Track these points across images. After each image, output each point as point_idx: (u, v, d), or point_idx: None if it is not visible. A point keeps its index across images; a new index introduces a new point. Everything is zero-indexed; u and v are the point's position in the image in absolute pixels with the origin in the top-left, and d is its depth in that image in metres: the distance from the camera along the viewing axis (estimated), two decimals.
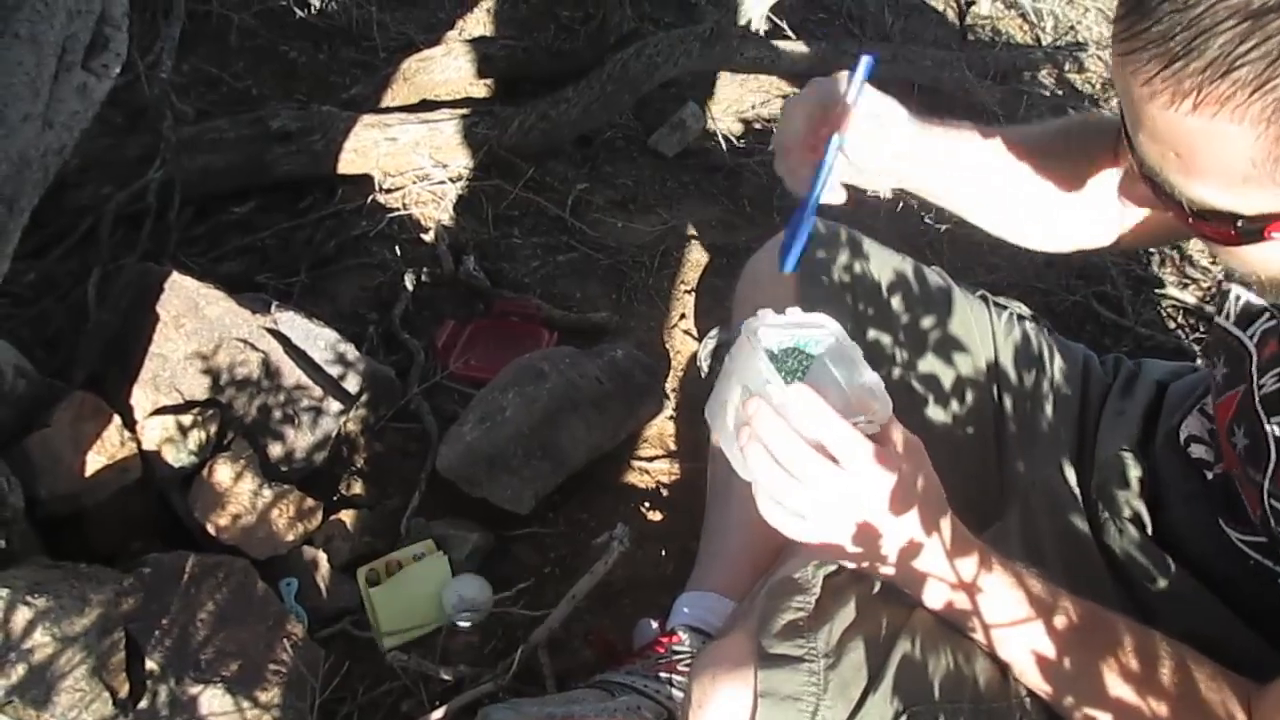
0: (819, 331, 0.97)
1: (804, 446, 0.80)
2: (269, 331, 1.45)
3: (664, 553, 1.47)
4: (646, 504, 1.55)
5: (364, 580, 1.36)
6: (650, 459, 1.61)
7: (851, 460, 0.81)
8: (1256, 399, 0.90)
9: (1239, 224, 0.64)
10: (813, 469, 0.81)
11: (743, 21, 2.31)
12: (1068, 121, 1.25)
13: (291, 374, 1.44)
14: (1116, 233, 1.17)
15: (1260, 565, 0.98)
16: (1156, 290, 2.07)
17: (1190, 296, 2.06)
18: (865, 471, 0.81)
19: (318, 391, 1.45)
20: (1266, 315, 0.92)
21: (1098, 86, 2.60)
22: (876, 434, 0.87)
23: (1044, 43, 2.73)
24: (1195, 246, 2.17)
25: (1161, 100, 0.60)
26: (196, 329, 1.42)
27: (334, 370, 1.50)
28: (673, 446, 1.64)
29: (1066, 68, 2.62)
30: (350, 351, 1.51)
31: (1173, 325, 2.02)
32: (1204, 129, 0.59)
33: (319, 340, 1.50)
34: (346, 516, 1.45)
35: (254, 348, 1.42)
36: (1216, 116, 0.58)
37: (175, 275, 1.44)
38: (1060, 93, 2.57)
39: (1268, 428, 0.89)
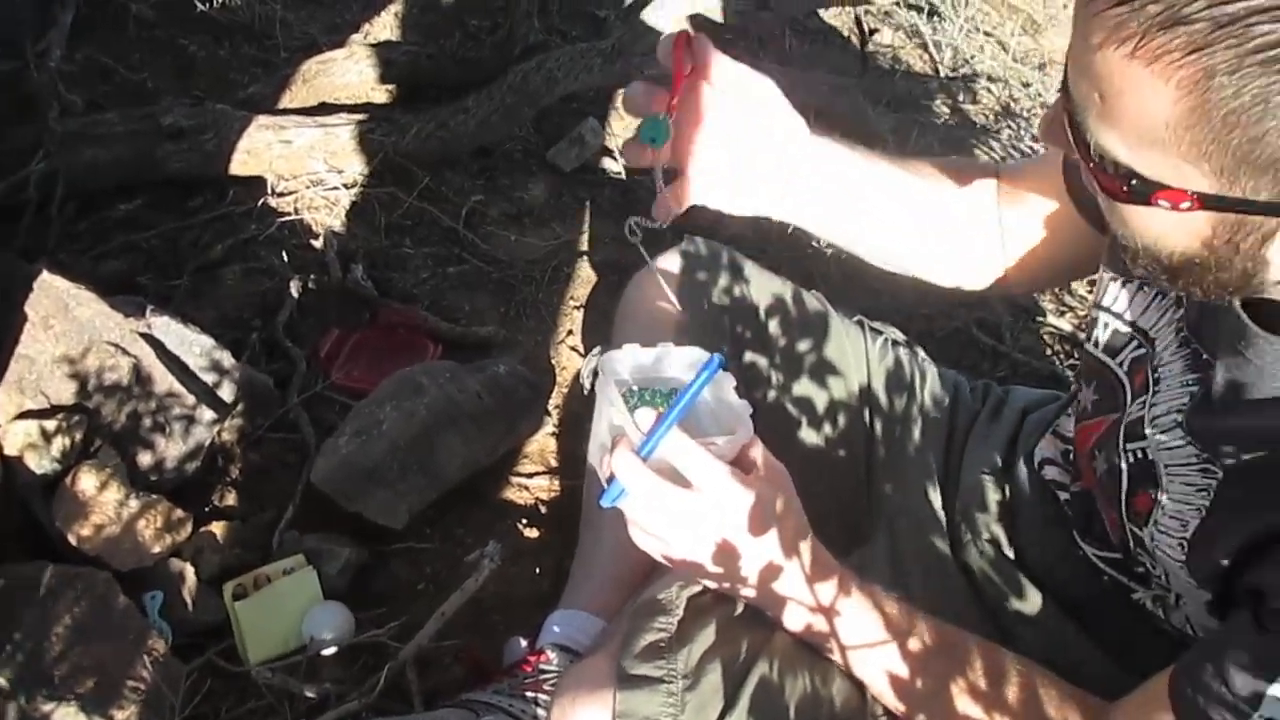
0: (684, 359, 0.99)
1: (650, 476, 0.83)
2: (142, 336, 1.43)
3: (538, 570, 1.49)
4: (524, 520, 1.56)
5: (230, 595, 1.35)
6: (530, 475, 1.62)
7: (706, 482, 0.84)
8: (1122, 426, 0.94)
9: (1133, 182, 0.65)
10: (668, 496, 0.84)
11: (645, 39, 2.33)
12: (951, 159, 1.29)
13: (164, 381, 1.42)
14: (993, 275, 1.21)
15: (1115, 580, 1.03)
16: (1035, 318, 2.15)
17: (1066, 324, 2.14)
18: (721, 493, 0.84)
19: (190, 400, 1.43)
20: (1134, 344, 0.97)
21: (990, 118, 2.68)
22: (738, 456, 0.91)
23: (941, 73, 2.80)
24: None
25: (1104, 34, 0.60)
26: (66, 331, 1.39)
27: (209, 378, 1.48)
28: (553, 463, 1.65)
29: (961, 98, 2.70)
30: (226, 359, 1.50)
31: (1049, 352, 2.09)
32: (1133, 77, 0.59)
33: (194, 347, 1.48)
34: (217, 528, 1.43)
35: (125, 352, 1.40)
36: (1148, 68, 0.58)
37: (45, 274, 1.40)
38: (953, 122, 2.64)
39: (1120, 455, 0.94)
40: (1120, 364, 0.98)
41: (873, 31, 2.90)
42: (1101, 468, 0.97)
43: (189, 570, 1.36)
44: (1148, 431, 0.89)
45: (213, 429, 1.46)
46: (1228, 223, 0.64)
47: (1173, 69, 0.57)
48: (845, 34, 2.89)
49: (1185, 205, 0.63)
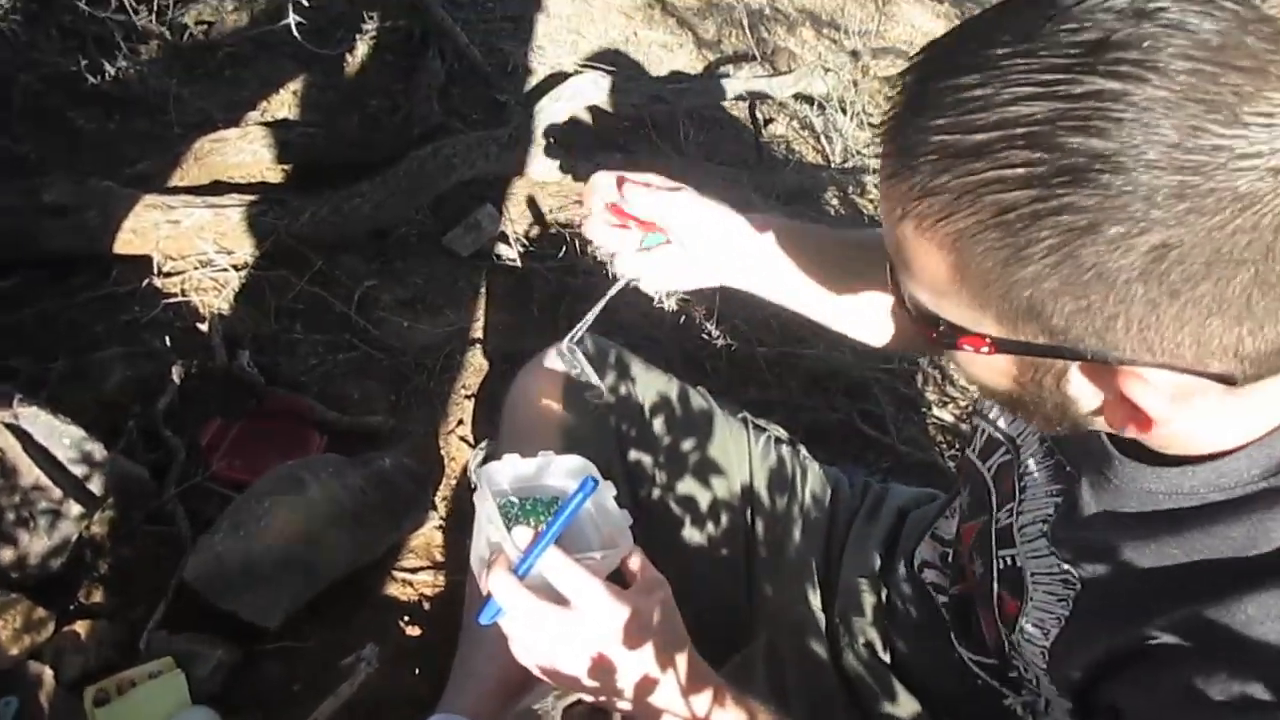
0: (565, 468, 1.01)
1: (527, 596, 0.84)
2: (7, 427, 1.38)
3: (418, 671, 1.46)
4: (406, 618, 1.53)
5: (91, 700, 1.29)
6: (414, 570, 1.60)
7: (582, 600, 0.85)
8: (992, 531, 0.98)
9: (940, 328, 0.67)
10: (545, 614, 0.84)
11: (543, 128, 2.36)
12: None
13: (29, 473, 1.37)
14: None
15: (988, 685, 1.06)
16: (919, 410, 2.21)
17: (949, 415, 2.21)
18: (597, 610, 0.84)
19: (57, 493, 1.38)
20: (1002, 450, 1.01)
21: (878, 209, 2.77)
22: (617, 568, 0.92)
23: (832, 164, 2.90)
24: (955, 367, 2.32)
25: (886, 206, 0.65)
26: None
27: (79, 470, 1.44)
28: (438, 557, 1.63)
29: (850, 190, 2.79)
30: (98, 450, 1.45)
31: (932, 443, 2.15)
32: (911, 240, 0.63)
33: (64, 438, 1.43)
34: (82, 628, 1.38)
35: None
36: (916, 231, 0.62)
37: None
38: (844, 213, 2.72)
39: (993, 560, 0.97)
40: (989, 469, 1.03)
41: (767, 122, 3.00)
42: (979, 570, 1.01)
43: (48, 674, 1.30)
44: (1017, 539, 0.93)
45: (80, 523, 1.42)
46: (1025, 364, 0.67)
47: (933, 232, 0.61)
48: (741, 124, 2.97)
49: (985, 350, 0.65)
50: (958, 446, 2.16)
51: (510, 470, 0.99)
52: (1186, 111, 0.52)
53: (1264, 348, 0.58)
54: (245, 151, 2.22)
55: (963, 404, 2.26)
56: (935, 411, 2.21)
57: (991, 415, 1.05)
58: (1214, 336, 0.57)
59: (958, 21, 3.53)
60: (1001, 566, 0.96)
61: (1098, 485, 0.81)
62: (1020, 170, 0.55)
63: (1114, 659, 0.78)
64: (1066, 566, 0.85)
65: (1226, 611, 0.68)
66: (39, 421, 1.42)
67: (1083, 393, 0.67)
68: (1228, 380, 0.60)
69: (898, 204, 0.62)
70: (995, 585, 0.97)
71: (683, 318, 2.18)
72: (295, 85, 2.58)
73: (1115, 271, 0.55)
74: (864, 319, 1.17)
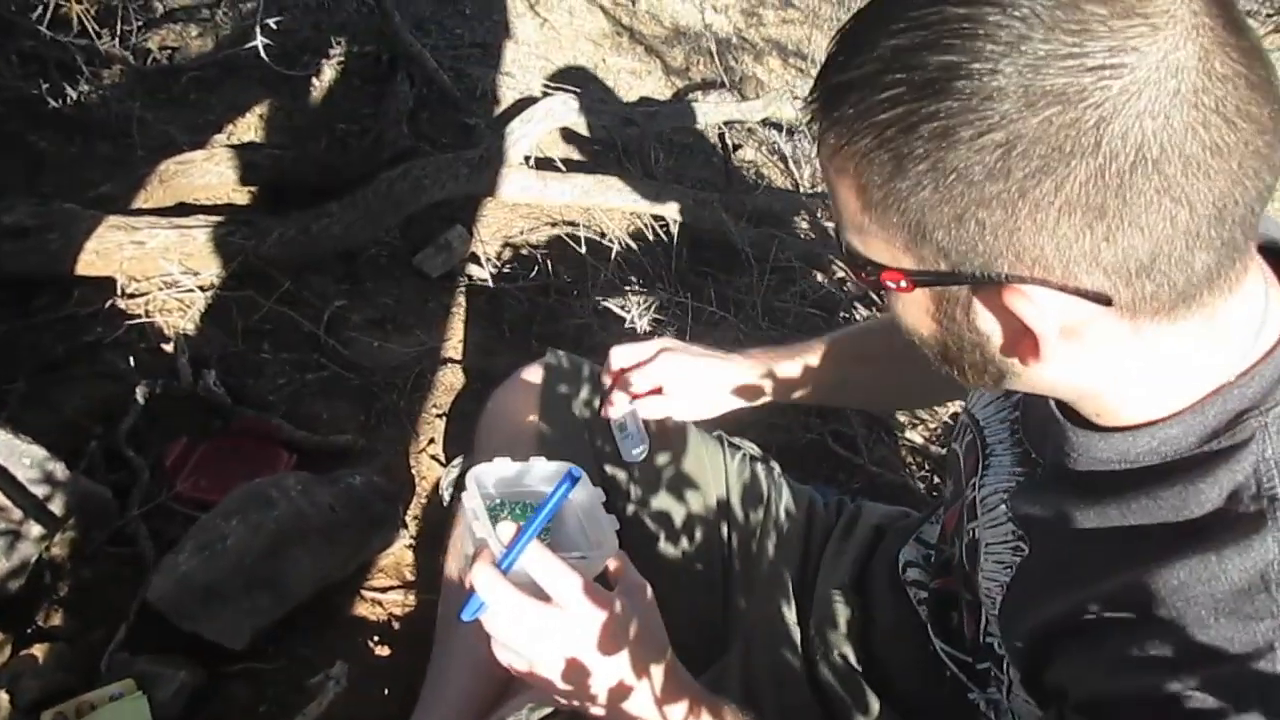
0: (549, 472, 1.00)
1: (510, 589, 0.83)
2: None
3: (387, 691, 1.42)
4: (375, 638, 1.50)
5: None
6: (384, 589, 1.56)
7: (563, 597, 0.85)
8: (964, 507, 0.98)
9: (867, 269, 0.69)
10: (526, 610, 0.84)
11: (513, 150, 2.36)
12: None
13: None
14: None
15: (955, 680, 1.05)
16: (890, 431, 2.21)
17: (918, 436, 2.21)
18: (577, 608, 0.84)
19: (17, 514, 1.35)
20: (967, 431, 1.03)
21: None
22: (599, 571, 0.92)
23: (801, 189, 2.91)
24: None
25: (821, 145, 0.68)
26: None
27: (39, 490, 1.40)
28: (409, 577, 1.60)
29: (819, 214, 2.80)
30: (59, 470, 1.42)
31: (902, 464, 2.15)
32: (831, 175, 0.68)
33: (24, 458, 1.40)
34: (40, 651, 1.34)
35: None
36: (831, 165, 0.67)
37: None
38: (813, 236, 2.74)
39: (964, 533, 0.97)
40: (961, 450, 1.05)
41: (736, 147, 3.01)
42: (957, 554, 1.01)
43: (3, 698, 1.26)
44: (979, 510, 0.94)
45: (40, 544, 1.38)
46: (937, 299, 0.69)
47: (841, 162, 0.65)
48: (710, 149, 2.98)
49: (903, 284, 0.68)
50: (928, 468, 2.16)
51: (495, 472, 0.99)
52: (1024, 25, 0.57)
53: (1125, 260, 0.61)
54: (211, 173, 2.20)
55: (932, 425, 2.27)
56: (906, 434, 2.21)
57: (969, 403, 1.06)
58: (1069, 243, 0.60)
59: None
60: (967, 539, 0.97)
61: (1058, 465, 0.81)
62: (895, 91, 0.60)
63: (1057, 630, 0.78)
64: (1020, 532, 0.86)
65: (1159, 577, 0.68)
66: None
67: (987, 324, 0.69)
68: (1103, 300, 0.62)
69: (821, 150, 0.67)
70: (964, 560, 0.97)
71: (654, 337, 2.16)
72: (262, 109, 2.56)
73: (970, 170, 0.60)
74: (887, 395, 1.35)
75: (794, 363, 1.32)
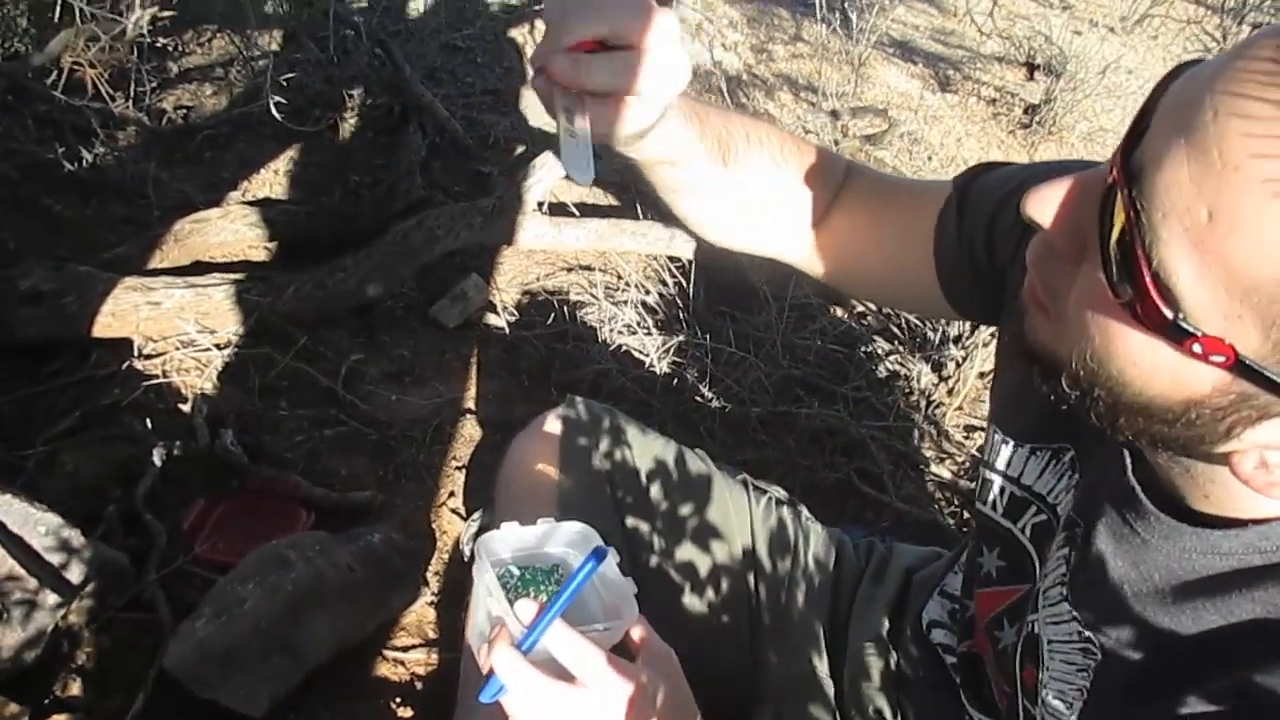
0: (566, 536, 0.97)
1: (531, 672, 0.81)
2: None
3: None
4: (398, 699, 1.46)
5: None
6: (405, 649, 1.53)
7: (588, 676, 0.81)
8: (1040, 603, 0.88)
9: (1179, 315, 0.54)
10: (549, 692, 0.81)
11: (527, 196, 2.35)
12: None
13: (2, 563, 1.31)
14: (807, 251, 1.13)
15: None
16: (917, 466, 2.17)
17: (946, 471, 2.16)
18: (602, 685, 0.81)
19: (33, 583, 1.32)
20: (1034, 510, 0.93)
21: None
22: (621, 640, 0.88)
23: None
24: (951, 422, 2.29)
25: (1267, 167, 0.49)
26: None
27: (55, 558, 1.38)
28: (431, 635, 1.57)
29: None
30: (75, 537, 1.40)
31: (931, 500, 2.10)
32: (1271, 216, 0.50)
33: (39, 525, 1.38)
34: None
35: None
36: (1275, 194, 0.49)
37: None
38: None
39: (1020, 622, 0.90)
40: (1023, 530, 0.95)
41: None
42: (1009, 640, 0.93)
43: None
44: (1040, 603, 0.86)
45: (57, 613, 1.35)
46: (1237, 393, 0.56)
47: (1239, 187, 0.50)
48: None
49: (1217, 359, 0.54)
50: (957, 503, 2.11)
51: (509, 539, 0.96)
52: None
53: None
54: (226, 230, 2.20)
55: (959, 460, 2.22)
56: (933, 468, 2.17)
57: (1011, 472, 0.97)
58: None
59: (933, 82, 3.56)
60: (1025, 632, 0.89)
61: (1120, 537, 0.74)
62: None
63: None
64: (1087, 633, 0.77)
65: (1272, 676, 0.62)
66: (13, 509, 1.37)
67: (1266, 433, 0.58)
68: None
69: (1270, 165, 0.49)
70: (1017, 654, 0.91)
71: (675, 380, 2.15)
72: (276, 164, 2.57)
73: None
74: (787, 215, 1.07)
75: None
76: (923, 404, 2.31)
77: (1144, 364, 0.59)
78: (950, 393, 2.34)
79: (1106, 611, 0.75)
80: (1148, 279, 0.54)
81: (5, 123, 2.38)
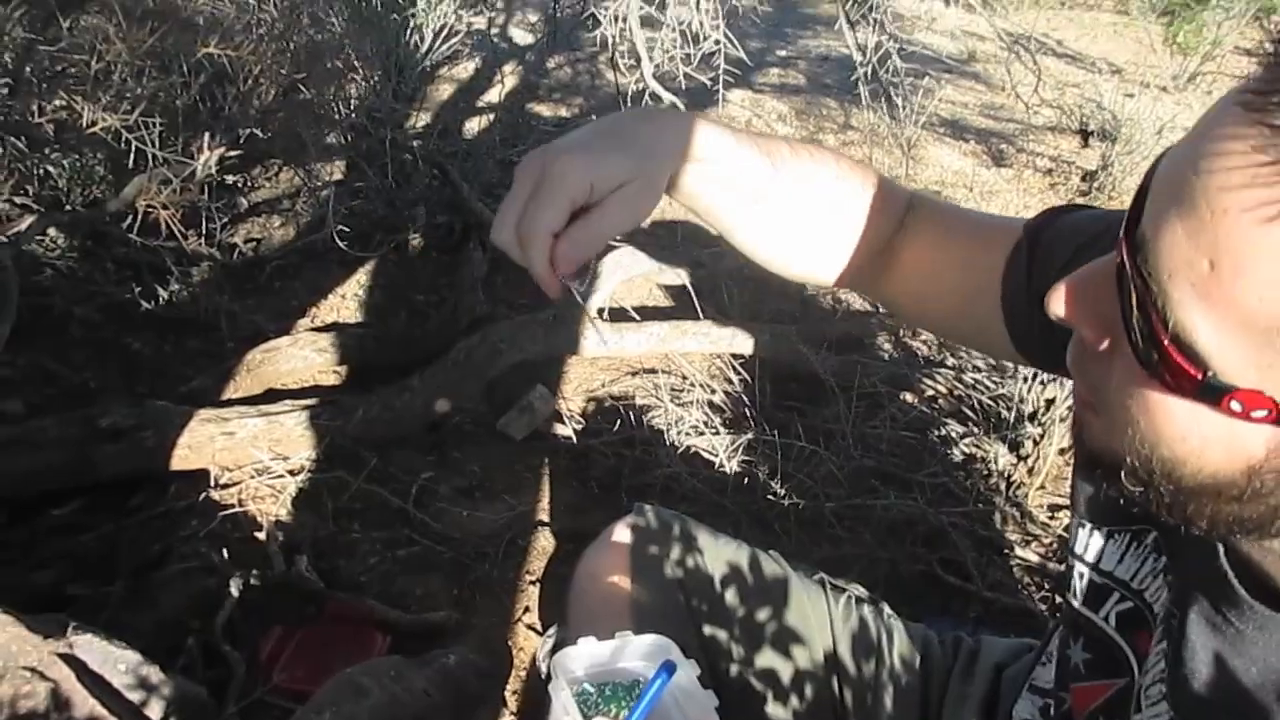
0: (642, 649, 0.95)
1: None
2: (62, 657, 1.34)
3: None
4: None
5: None
6: None
7: None
8: (1143, 702, 0.82)
9: (1208, 374, 0.53)
10: None
11: (587, 304, 2.37)
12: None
13: (84, 704, 1.32)
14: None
15: None
16: (1001, 551, 2.10)
17: (1033, 554, 2.09)
18: None
19: None
20: (1116, 597, 0.89)
21: (933, 349, 2.73)
22: None
23: (880, 309, 2.87)
24: (1034, 502, 2.22)
25: (1252, 196, 0.49)
26: None
27: (135, 696, 1.38)
28: None
29: (901, 332, 2.75)
30: (154, 674, 1.40)
31: (1019, 586, 2.03)
32: (1274, 251, 0.49)
33: (120, 664, 1.39)
34: None
35: (43, 677, 1.31)
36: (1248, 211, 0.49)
37: None
38: (897, 355, 2.68)
39: None
40: (1105, 618, 0.90)
41: None
42: None
43: None
44: (1142, 703, 0.80)
45: None
46: None
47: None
48: (783, 280, 2.97)
49: (1260, 414, 0.53)
50: (1048, 588, 2.04)
51: (584, 655, 0.94)
52: None
53: None
54: (296, 358, 2.25)
55: (1046, 541, 2.15)
56: (1019, 552, 2.10)
57: (1089, 557, 0.94)
58: None
59: (986, 157, 3.55)
60: None
61: (1215, 628, 0.70)
62: None
63: None
64: None
65: None
66: (94, 649, 1.38)
67: None
68: None
69: (1265, 203, 0.49)
70: None
71: (746, 479, 2.12)
72: (343, 290, 2.63)
73: None
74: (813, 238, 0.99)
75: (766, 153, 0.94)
76: (1003, 486, 2.25)
77: (1192, 437, 0.57)
78: (1030, 472, 2.28)
79: (1204, 712, 0.71)
80: (1168, 342, 0.54)
81: (86, 267, 2.48)
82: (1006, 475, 2.27)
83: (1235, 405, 0.53)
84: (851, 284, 1.05)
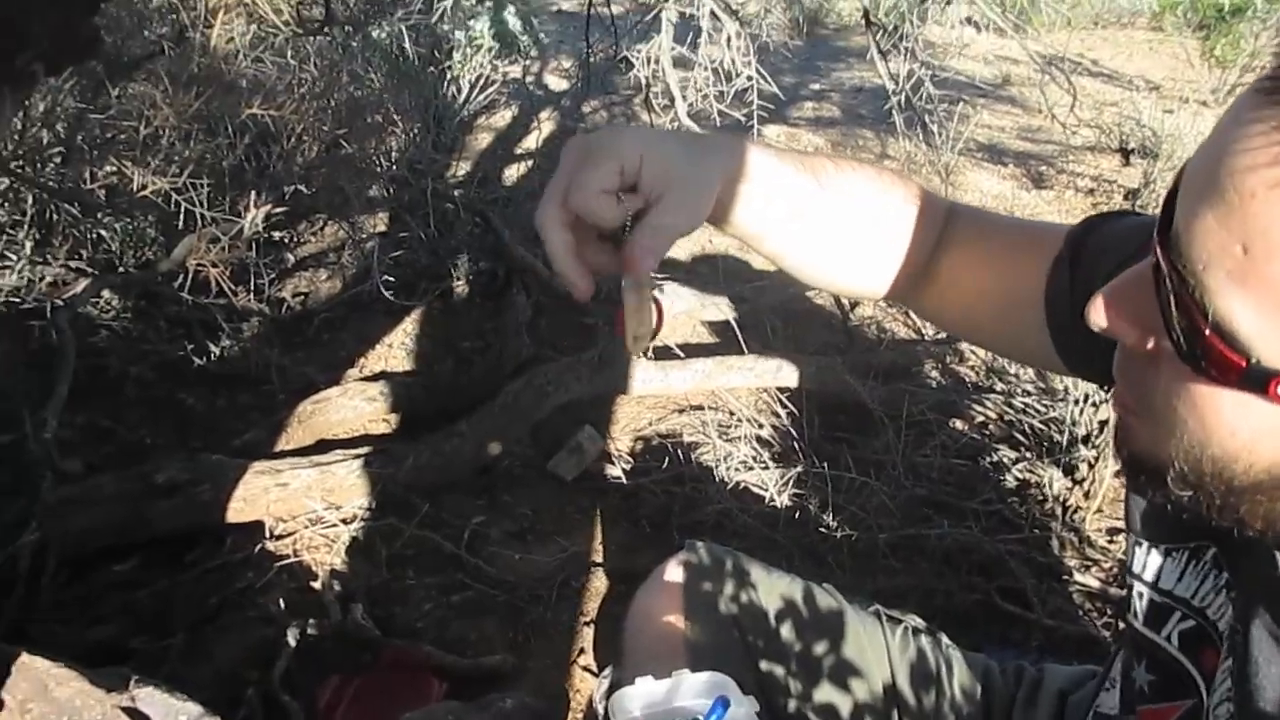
0: (698, 687, 0.95)
1: None
2: (125, 711, 1.35)
3: None
4: None
5: None
6: None
7: None
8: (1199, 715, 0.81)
9: (1252, 361, 0.53)
10: None
11: (632, 346, 2.38)
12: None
13: None
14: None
15: None
16: (1060, 578, 2.06)
17: (1093, 580, 2.05)
18: None
19: None
20: (1178, 616, 0.87)
21: (980, 375, 2.70)
22: None
23: (926, 337, 2.85)
24: (1092, 527, 2.18)
25: (1273, 176, 0.50)
26: (44, 714, 1.32)
27: None
28: None
29: (948, 360, 2.73)
30: None
31: (1080, 613, 1.99)
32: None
33: (182, 715, 1.40)
34: None
35: None
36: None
37: (25, 656, 1.35)
38: (945, 382, 2.65)
39: None
40: (1168, 638, 0.88)
41: (854, 305, 2.99)
42: None
43: None
44: None
45: None
46: None
47: None
48: (828, 312, 2.96)
49: None
50: (1110, 613, 2.00)
51: (641, 695, 0.94)
52: None
53: None
54: (346, 408, 2.27)
55: (1106, 566, 2.11)
56: (1079, 578, 2.06)
57: (1148, 576, 0.92)
58: None
59: (1025, 180, 3.52)
60: None
61: (1278, 640, 0.68)
62: None
63: None
64: None
65: None
66: (156, 701, 1.40)
67: None
68: None
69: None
70: None
71: (797, 512, 2.11)
72: (390, 339, 2.67)
73: None
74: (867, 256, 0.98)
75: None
76: (1059, 511, 2.21)
77: (1242, 430, 0.56)
78: (1087, 496, 2.24)
79: None
80: (1209, 333, 0.54)
81: (140, 327, 2.53)
82: (1062, 500, 2.23)
83: (1279, 392, 0.52)
84: (895, 297, 1.04)
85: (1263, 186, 0.50)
